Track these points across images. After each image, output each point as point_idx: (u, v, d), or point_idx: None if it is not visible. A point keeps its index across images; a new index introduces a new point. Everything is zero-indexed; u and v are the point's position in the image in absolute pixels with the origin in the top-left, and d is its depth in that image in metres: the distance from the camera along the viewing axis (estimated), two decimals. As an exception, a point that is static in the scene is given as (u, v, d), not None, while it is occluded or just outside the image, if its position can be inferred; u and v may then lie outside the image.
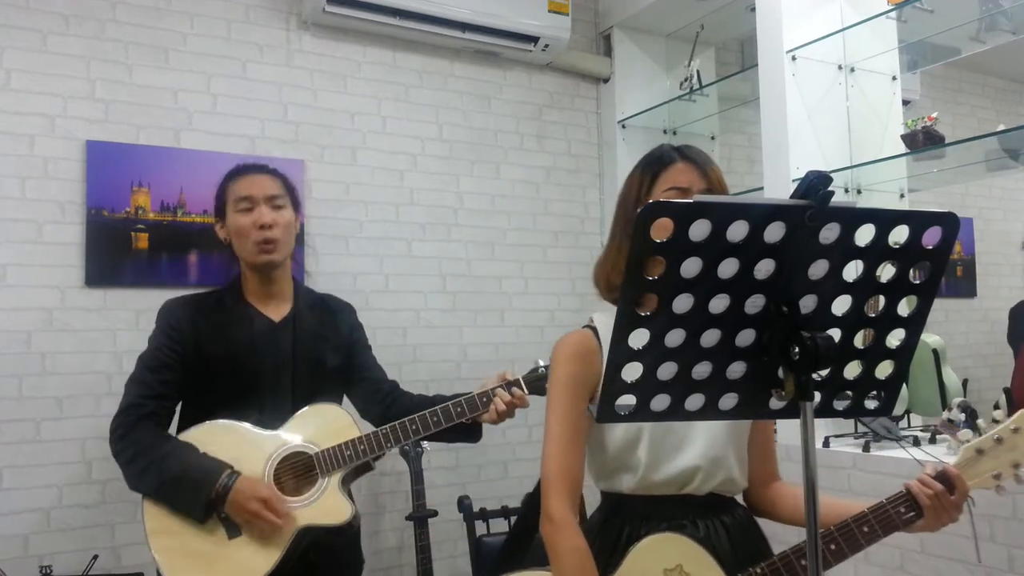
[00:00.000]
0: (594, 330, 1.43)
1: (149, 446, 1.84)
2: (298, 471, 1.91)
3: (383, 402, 2.10)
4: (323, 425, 1.94)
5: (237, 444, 1.88)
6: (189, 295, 2.04)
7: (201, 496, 1.79)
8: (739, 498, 1.51)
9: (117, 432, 1.86)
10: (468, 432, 2.02)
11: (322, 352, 2.02)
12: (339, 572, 1.99)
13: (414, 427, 1.93)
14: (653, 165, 1.43)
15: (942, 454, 2.19)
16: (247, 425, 1.90)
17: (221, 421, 1.89)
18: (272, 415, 1.93)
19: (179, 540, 1.82)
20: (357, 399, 2.13)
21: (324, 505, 1.87)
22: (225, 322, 1.95)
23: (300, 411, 1.94)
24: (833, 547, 1.33)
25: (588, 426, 1.41)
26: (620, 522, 1.41)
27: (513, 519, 2.65)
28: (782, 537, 1.50)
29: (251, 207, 1.94)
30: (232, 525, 1.83)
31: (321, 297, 2.13)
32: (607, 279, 1.45)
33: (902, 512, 1.35)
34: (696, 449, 1.41)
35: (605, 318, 1.44)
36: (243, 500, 1.78)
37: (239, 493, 1.79)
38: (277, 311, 2.01)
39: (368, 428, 1.97)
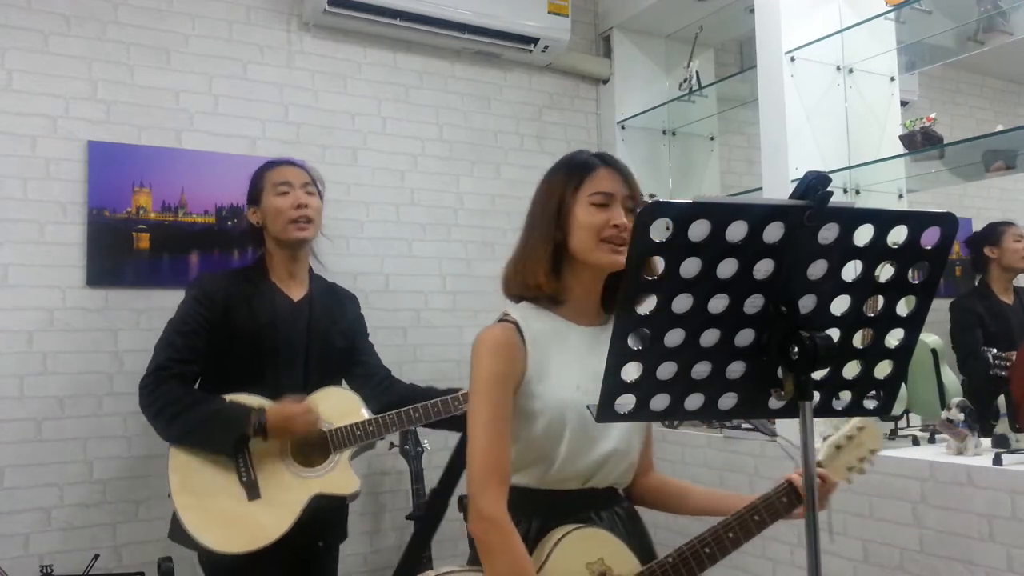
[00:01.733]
0: (515, 324, 1.42)
1: (179, 396, 2.01)
2: (312, 444, 2.09)
3: (378, 387, 2.29)
4: (336, 405, 2.13)
5: None
6: (221, 271, 2.34)
7: (235, 431, 1.96)
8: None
9: (147, 388, 2.02)
10: (460, 423, 2.14)
11: (332, 334, 2.23)
12: (332, 536, 2.21)
13: (416, 414, 2.14)
14: (578, 169, 1.46)
15: (940, 454, 2.20)
16: (264, 399, 2.05)
17: (241, 394, 2.05)
18: (285, 389, 2.08)
19: (202, 499, 1.97)
20: (354, 381, 2.31)
21: (336, 477, 2.07)
22: (251, 294, 2.13)
23: (315, 392, 2.12)
24: (731, 535, 1.42)
25: (511, 419, 1.40)
26: (526, 517, 1.41)
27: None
28: (663, 523, 1.59)
29: (288, 190, 2.16)
30: (252, 487, 1.99)
31: (331, 284, 2.35)
32: (523, 278, 1.46)
33: (785, 502, 1.46)
34: (612, 437, 1.45)
35: (523, 313, 1.45)
36: (283, 423, 1.99)
37: (275, 419, 1.99)
38: (296, 292, 2.21)
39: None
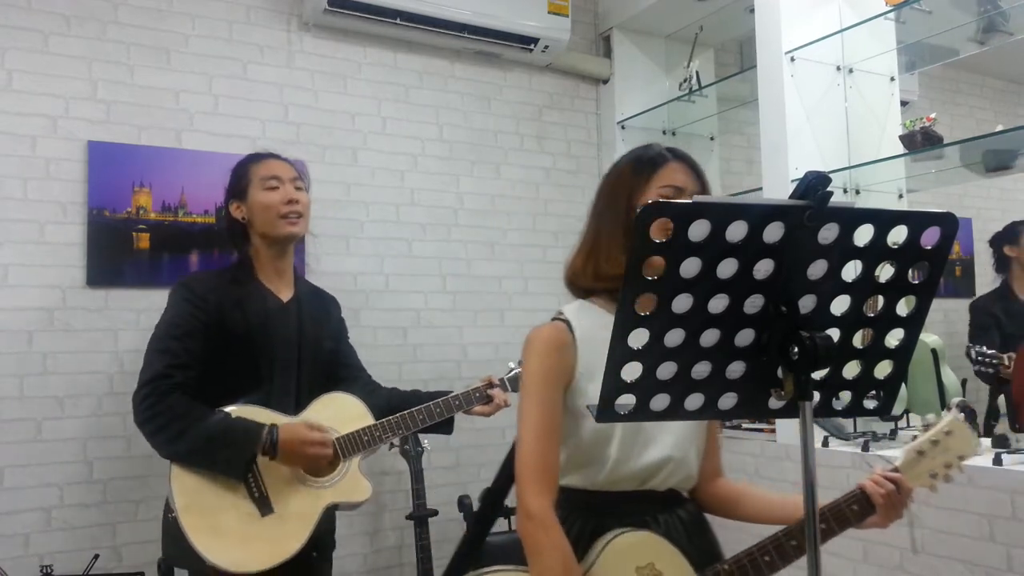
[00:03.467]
0: (567, 323, 1.42)
1: (184, 412, 1.90)
2: None
3: (364, 389, 2.25)
4: (339, 412, 2.08)
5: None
6: (204, 272, 2.20)
7: (245, 452, 1.87)
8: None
9: (147, 402, 1.90)
10: (447, 426, 2.24)
11: (321, 335, 2.18)
12: (326, 547, 2.15)
13: (421, 416, 2.12)
14: (649, 164, 1.45)
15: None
16: (268, 410, 1.99)
17: (244, 405, 1.98)
18: (279, 393, 2.04)
19: (211, 518, 1.87)
20: (339, 383, 2.25)
21: (348, 484, 2.03)
22: (243, 296, 2.05)
23: (317, 400, 2.08)
24: (794, 543, 1.36)
25: (562, 418, 1.39)
26: (582, 518, 1.40)
27: (514, 519, 2.66)
28: (724, 534, 1.53)
29: (278, 185, 2.08)
30: (264, 502, 1.91)
31: (314, 287, 2.30)
32: (595, 270, 1.45)
33: (856, 510, 1.40)
34: (667, 443, 1.42)
35: (577, 312, 1.44)
36: (295, 445, 1.91)
37: (288, 442, 1.91)
38: (284, 292, 2.14)
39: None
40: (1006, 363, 2.50)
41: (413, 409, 2.11)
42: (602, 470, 1.40)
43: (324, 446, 1.95)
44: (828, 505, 1.40)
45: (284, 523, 1.91)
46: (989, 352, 2.47)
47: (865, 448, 2.33)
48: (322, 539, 2.09)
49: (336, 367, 2.25)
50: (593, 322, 1.42)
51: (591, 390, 1.38)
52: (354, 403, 2.11)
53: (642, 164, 1.46)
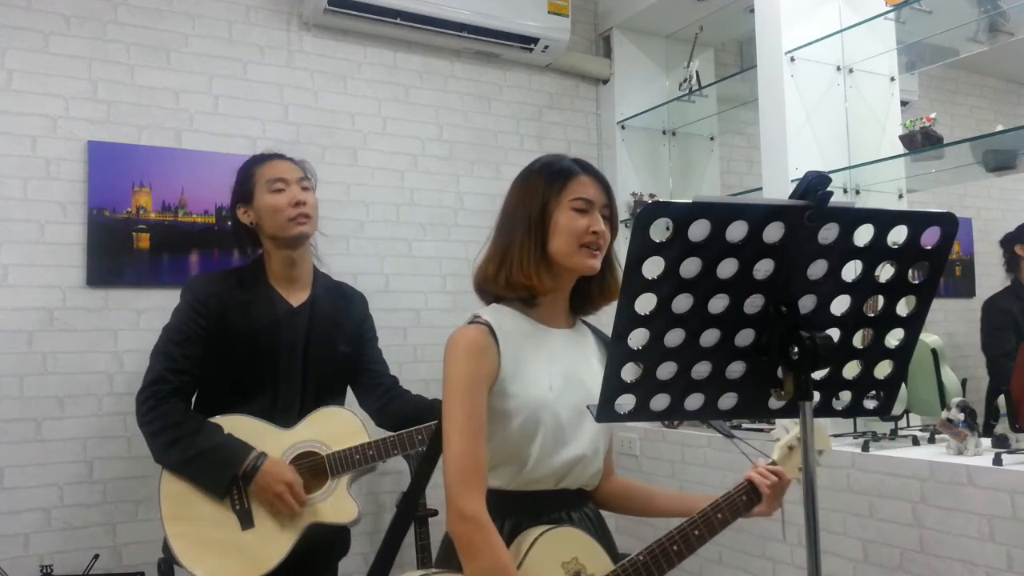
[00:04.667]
0: (487, 325, 1.44)
1: (178, 422, 1.92)
2: (308, 470, 1.99)
3: (382, 397, 2.19)
4: (334, 428, 2.03)
5: (252, 438, 1.95)
6: (213, 273, 2.17)
7: (227, 472, 1.88)
8: None
9: (147, 404, 1.94)
10: None
11: (334, 338, 2.11)
12: (329, 554, 2.12)
13: (420, 436, 2.03)
14: (561, 174, 1.49)
15: (939, 454, 2.20)
16: (262, 421, 1.98)
17: (237, 415, 1.97)
18: (284, 400, 2.01)
19: (194, 527, 1.89)
20: (359, 390, 2.22)
21: (333, 504, 1.97)
22: (248, 301, 2.03)
23: (312, 413, 2.03)
24: (697, 533, 1.46)
25: (486, 419, 1.41)
26: (499, 517, 1.41)
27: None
28: (624, 527, 1.60)
29: (284, 187, 2.05)
30: (246, 516, 1.91)
31: (337, 284, 2.23)
32: (507, 278, 1.47)
33: (745, 500, 1.52)
34: (582, 442, 1.47)
35: (495, 315, 1.47)
36: (270, 482, 1.88)
37: (266, 475, 1.89)
38: (297, 296, 2.10)
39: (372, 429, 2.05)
40: None
41: (412, 429, 2.05)
42: (522, 469, 1.43)
43: (294, 491, 1.91)
44: (722, 497, 1.50)
45: (263, 539, 1.91)
46: None
47: (865, 448, 2.33)
48: (323, 547, 2.06)
49: (355, 372, 2.19)
50: (512, 325, 1.46)
51: (515, 390, 1.41)
52: (350, 420, 2.06)
53: (554, 175, 1.49)
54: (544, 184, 1.49)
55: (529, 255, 1.45)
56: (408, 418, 2.11)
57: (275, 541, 1.91)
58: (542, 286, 1.46)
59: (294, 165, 2.13)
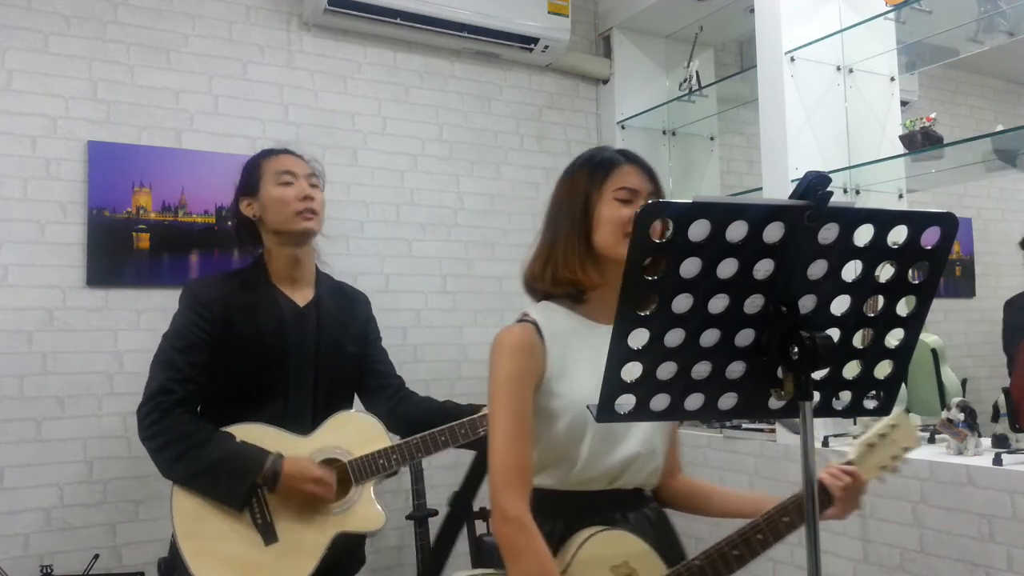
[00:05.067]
0: (534, 323, 1.42)
1: (185, 434, 1.80)
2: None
3: (391, 399, 2.11)
4: (354, 433, 1.94)
5: (269, 447, 1.84)
6: (213, 275, 2.04)
7: (245, 481, 1.77)
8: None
9: (149, 418, 1.81)
10: (480, 443, 2.03)
11: (342, 339, 2.02)
12: (344, 569, 1.99)
13: (443, 438, 1.96)
14: (603, 165, 1.46)
15: (939, 454, 2.20)
16: (277, 429, 1.88)
17: (250, 424, 1.87)
18: (295, 406, 1.92)
19: (214, 545, 1.77)
20: (366, 393, 2.13)
21: (359, 512, 1.89)
22: (253, 302, 1.92)
23: (330, 418, 1.94)
24: (760, 537, 1.38)
25: (533, 419, 1.38)
26: (551, 518, 1.39)
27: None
28: (687, 529, 1.56)
29: (292, 181, 1.95)
30: (268, 530, 1.80)
31: (339, 284, 2.13)
32: (553, 274, 1.45)
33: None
34: (636, 440, 1.43)
35: (543, 313, 1.44)
36: (297, 482, 1.79)
37: (290, 476, 1.79)
38: (302, 296, 2.00)
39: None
40: None
41: (436, 430, 1.95)
42: (572, 469, 1.40)
43: (326, 486, 1.83)
44: (790, 499, 1.41)
45: (288, 554, 1.80)
46: None
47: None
48: (341, 563, 1.95)
49: (363, 374, 2.11)
50: (560, 323, 1.43)
51: (561, 390, 1.38)
52: (371, 424, 1.97)
53: (596, 167, 1.47)
54: (587, 177, 1.46)
55: (574, 249, 1.43)
56: (415, 421, 2.03)
57: (302, 554, 1.80)
58: (588, 281, 1.43)
59: (303, 161, 2.04)
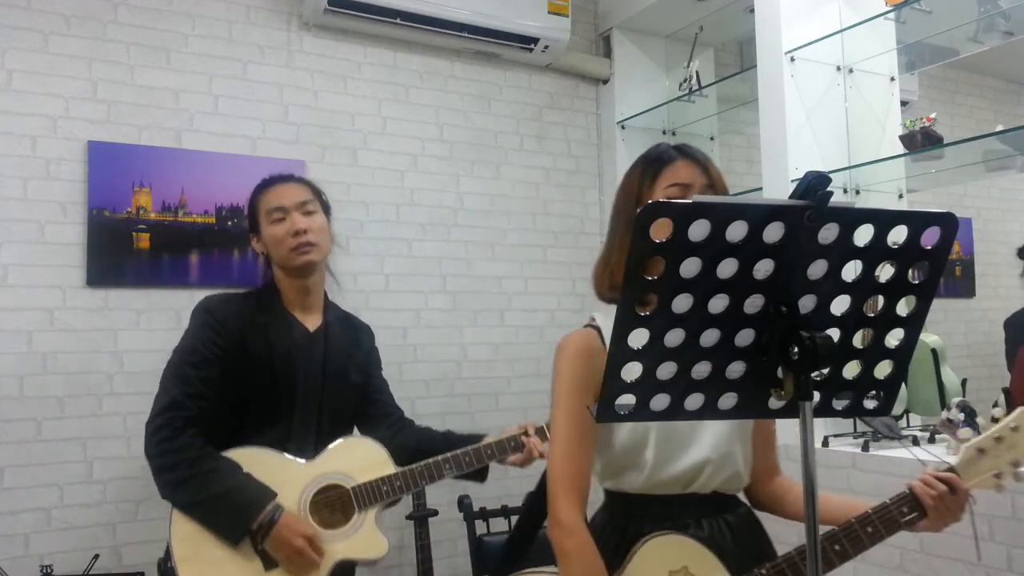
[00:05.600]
0: (597, 330, 1.42)
1: (194, 459, 1.78)
2: (333, 504, 1.91)
3: (391, 427, 2.12)
4: (358, 458, 1.94)
5: (272, 472, 1.85)
6: (228, 294, 2.03)
7: (242, 521, 1.76)
8: (741, 496, 1.51)
9: (160, 434, 1.80)
10: (479, 475, 2.07)
11: (347, 366, 2.04)
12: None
13: (447, 465, 1.96)
14: (654, 163, 1.43)
15: (941, 454, 2.20)
16: (281, 454, 1.89)
17: (255, 448, 1.87)
18: (298, 431, 1.93)
19: (215, 570, 1.77)
20: (367, 421, 2.14)
21: (362, 539, 1.88)
22: (267, 324, 1.94)
23: (335, 443, 1.95)
24: (837, 548, 1.33)
25: (595, 426, 1.38)
26: (624, 521, 1.40)
27: (514, 519, 2.65)
28: (783, 535, 1.51)
29: (284, 216, 1.96)
30: (269, 558, 1.80)
31: (346, 314, 2.16)
32: (610, 278, 1.44)
33: (905, 512, 1.34)
34: (705, 445, 1.40)
35: (607, 319, 1.43)
36: (288, 536, 1.77)
37: (284, 528, 1.77)
38: (311, 321, 2.02)
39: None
40: None
41: (440, 458, 1.96)
42: (640, 475, 1.39)
43: (315, 547, 1.80)
44: (875, 508, 1.35)
45: None
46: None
47: (865, 448, 2.33)
48: None
49: (364, 403, 2.12)
50: None
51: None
52: (375, 450, 1.97)
53: (648, 165, 1.44)
54: (639, 176, 1.44)
55: (625, 253, 1.42)
56: (415, 450, 2.03)
57: None
58: None
59: (298, 187, 2.02)
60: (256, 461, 1.85)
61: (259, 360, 1.90)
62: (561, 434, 1.36)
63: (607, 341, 1.38)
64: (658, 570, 1.32)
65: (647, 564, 1.33)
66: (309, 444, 1.94)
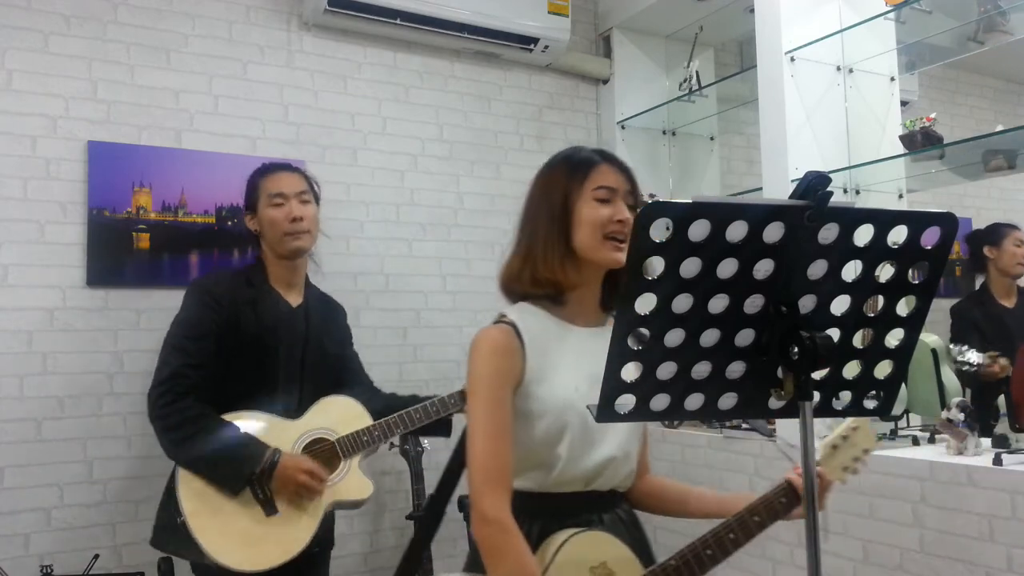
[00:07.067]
0: (512, 325, 1.41)
1: (195, 417, 1.99)
2: (320, 455, 2.11)
3: (363, 394, 2.30)
4: (339, 414, 2.17)
5: (265, 432, 2.06)
6: (220, 272, 2.32)
7: (244, 470, 1.97)
8: None
9: (164, 399, 2.00)
10: (445, 427, 2.27)
11: (325, 339, 2.25)
12: (321, 540, 2.13)
13: (418, 415, 2.18)
14: (583, 165, 1.45)
15: (940, 454, 2.20)
16: (270, 415, 2.09)
17: (247, 412, 2.07)
18: (283, 393, 2.13)
19: (220, 520, 1.96)
20: (340, 386, 2.30)
21: (350, 483, 2.12)
22: (255, 299, 2.14)
23: (316, 402, 2.16)
24: (732, 536, 1.39)
25: (513, 420, 1.38)
26: (528, 520, 1.38)
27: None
28: (662, 525, 1.58)
29: (283, 202, 2.16)
30: (269, 504, 2.01)
31: (323, 293, 2.37)
32: (533, 273, 1.44)
33: (784, 502, 1.44)
34: (612, 443, 1.43)
35: (521, 314, 1.44)
36: (291, 473, 1.98)
37: (285, 467, 1.99)
38: (294, 298, 2.23)
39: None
40: (988, 363, 2.50)
41: (410, 408, 2.17)
42: (551, 472, 1.39)
43: (316, 478, 2.02)
44: (759, 499, 1.43)
45: (289, 522, 2.01)
46: (973, 360, 2.44)
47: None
48: (324, 536, 2.15)
49: (340, 371, 2.32)
50: (538, 325, 1.43)
51: (540, 392, 1.38)
52: (353, 405, 2.19)
53: (575, 166, 1.46)
54: (565, 176, 1.46)
55: (554, 249, 1.42)
56: (379, 412, 2.20)
57: (301, 523, 2.02)
58: (568, 281, 1.43)
59: (297, 177, 2.22)
60: (250, 423, 2.06)
61: (249, 332, 2.09)
62: (482, 428, 1.35)
63: (524, 337, 1.39)
64: (579, 567, 1.33)
65: (570, 563, 1.33)
66: (293, 406, 2.14)
